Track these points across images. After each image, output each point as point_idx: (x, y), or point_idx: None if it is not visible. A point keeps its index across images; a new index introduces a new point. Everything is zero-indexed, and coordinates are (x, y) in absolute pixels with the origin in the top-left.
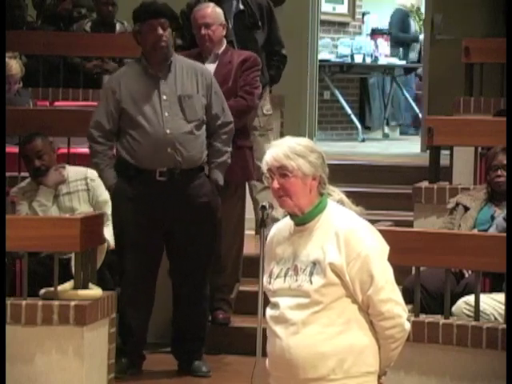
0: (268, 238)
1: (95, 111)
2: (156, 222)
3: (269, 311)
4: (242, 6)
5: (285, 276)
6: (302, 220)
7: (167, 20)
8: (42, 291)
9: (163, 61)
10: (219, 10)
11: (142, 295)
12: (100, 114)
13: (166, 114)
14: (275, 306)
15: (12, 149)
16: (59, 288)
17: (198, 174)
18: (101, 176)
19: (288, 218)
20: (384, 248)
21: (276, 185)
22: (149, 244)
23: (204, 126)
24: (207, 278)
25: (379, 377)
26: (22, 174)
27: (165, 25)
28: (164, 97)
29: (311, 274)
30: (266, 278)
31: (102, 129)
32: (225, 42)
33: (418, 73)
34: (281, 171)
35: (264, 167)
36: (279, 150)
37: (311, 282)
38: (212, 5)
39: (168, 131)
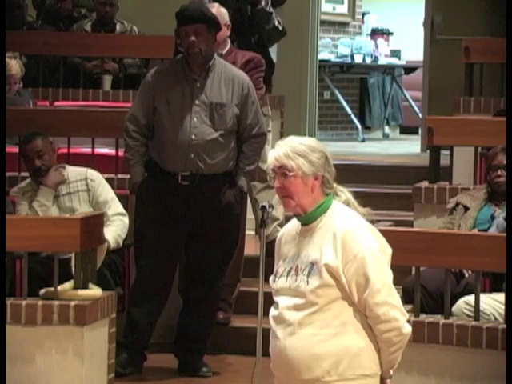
0: (277, 238)
1: (132, 105)
2: (177, 224)
3: (271, 311)
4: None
5: (287, 275)
6: (306, 220)
7: (204, 24)
8: (42, 291)
9: (201, 64)
10: (224, 11)
11: (156, 296)
12: (136, 108)
13: (195, 119)
14: (276, 305)
15: (12, 149)
16: (59, 288)
17: (222, 180)
18: (129, 171)
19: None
20: (385, 250)
21: (277, 184)
22: (168, 243)
23: (233, 135)
24: (221, 281)
25: (383, 379)
26: (22, 174)
27: (199, 30)
28: (196, 101)
29: (309, 274)
30: (272, 277)
31: (137, 123)
32: (229, 42)
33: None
34: (282, 171)
35: (268, 167)
36: (281, 149)
37: (308, 283)
38: (217, 5)
39: (193, 137)
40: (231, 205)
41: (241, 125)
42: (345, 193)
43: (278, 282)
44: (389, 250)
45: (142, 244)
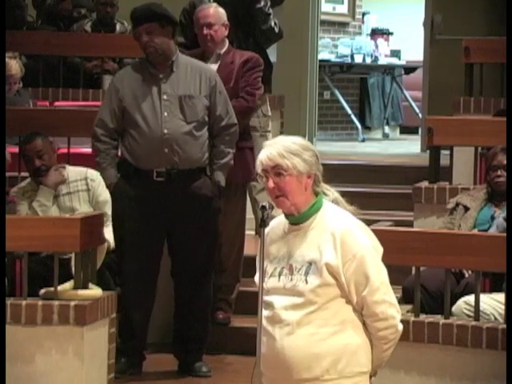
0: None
1: (100, 109)
2: (156, 222)
3: (263, 311)
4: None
5: (279, 275)
6: (298, 219)
7: (155, 23)
8: (42, 291)
9: (162, 62)
10: (222, 10)
11: (143, 295)
12: (104, 113)
13: (166, 113)
14: (269, 305)
15: (12, 149)
16: (59, 288)
17: (198, 175)
18: (102, 175)
19: (282, 216)
20: (378, 249)
21: (271, 184)
22: (149, 244)
23: (205, 128)
24: (209, 278)
25: (370, 377)
26: (22, 174)
27: (150, 29)
28: (165, 96)
29: (307, 273)
30: (257, 276)
31: (105, 127)
32: (227, 42)
33: None
34: (276, 170)
35: (258, 167)
36: (273, 149)
37: (307, 282)
38: (214, 5)
39: (166, 131)
40: (209, 200)
41: (211, 117)
42: (332, 191)
43: (269, 282)
44: (381, 249)
45: (123, 246)
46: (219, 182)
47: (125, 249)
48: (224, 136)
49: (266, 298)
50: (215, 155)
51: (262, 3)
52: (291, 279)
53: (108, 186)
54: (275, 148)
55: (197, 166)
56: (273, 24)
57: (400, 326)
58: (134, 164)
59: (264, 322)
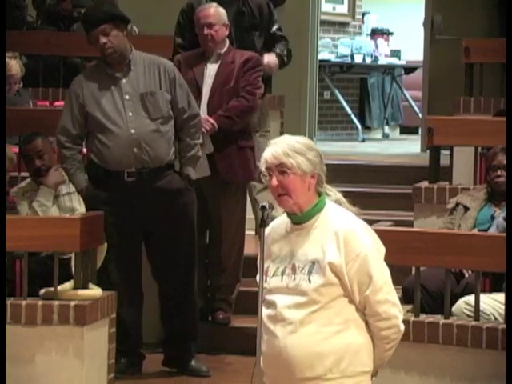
0: (264, 237)
1: (61, 117)
2: (131, 223)
3: (264, 310)
4: (243, 8)
5: (282, 275)
6: (301, 219)
7: (109, 23)
8: (42, 291)
9: (120, 61)
10: (222, 10)
11: (129, 296)
12: (65, 120)
13: (130, 113)
14: (271, 304)
15: (12, 149)
16: (59, 288)
17: (166, 172)
18: (71, 180)
19: (284, 215)
20: (380, 249)
21: (275, 182)
22: (127, 245)
23: (171, 122)
24: (192, 275)
25: (371, 376)
26: (22, 173)
27: (106, 30)
28: (126, 96)
29: (310, 273)
30: (258, 276)
31: (68, 134)
32: (227, 41)
33: None
34: (280, 169)
35: (262, 165)
36: (278, 147)
37: (310, 281)
38: (215, 5)
39: (133, 131)
40: (180, 193)
41: (174, 110)
42: (334, 192)
43: (272, 282)
44: (383, 250)
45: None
46: (189, 176)
47: (107, 252)
48: (189, 128)
49: (269, 297)
50: (182, 149)
51: (275, 28)
52: (294, 278)
53: (79, 192)
54: (280, 146)
55: (166, 163)
56: (285, 51)
57: (402, 326)
58: (104, 166)
59: (266, 320)
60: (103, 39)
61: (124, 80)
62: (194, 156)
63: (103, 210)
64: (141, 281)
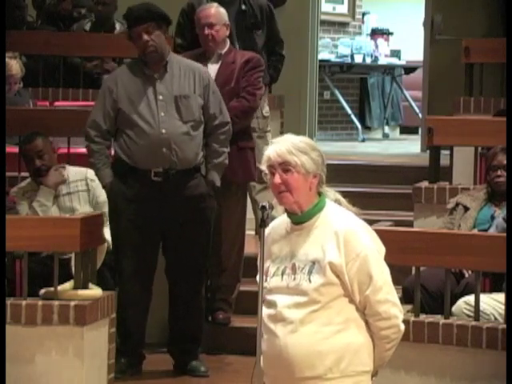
0: (264, 237)
1: (92, 110)
2: (152, 222)
3: (265, 310)
4: (243, 7)
5: (282, 274)
6: (301, 219)
7: (153, 22)
8: (42, 291)
9: (158, 62)
10: (223, 10)
11: (140, 295)
12: (97, 114)
13: (162, 114)
14: (272, 304)
15: (12, 149)
16: (59, 288)
17: (194, 175)
18: (97, 175)
19: (284, 216)
20: (381, 249)
21: (278, 180)
22: (145, 243)
23: (201, 127)
24: (203, 278)
25: (371, 376)
26: (22, 173)
27: (149, 28)
28: (160, 97)
29: (310, 272)
30: (259, 276)
31: (98, 128)
32: (228, 42)
33: None
34: (284, 166)
35: (264, 163)
36: (282, 146)
37: (310, 281)
38: (215, 5)
39: (163, 131)
40: (204, 199)
41: (204, 116)
42: (333, 193)
43: (272, 282)
44: (383, 249)
45: (119, 245)
46: (214, 182)
47: (121, 248)
48: (218, 135)
49: (269, 297)
50: (209, 155)
51: (277, 48)
52: (294, 278)
53: (104, 186)
54: (284, 145)
55: (193, 166)
56: (283, 52)
57: (402, 326)
58: (131, 163)
59: (266, 320)
60: (146, 37)
61: (159, 80)
62: (220, 163)
63: (125, 206)
64: (152, 281)
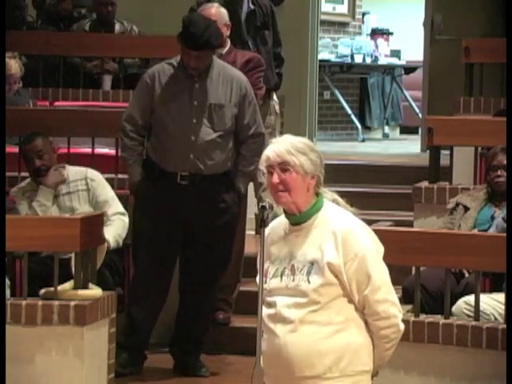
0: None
1: (129, 105)
2: (175, 224)
3: (265, 310)
4: (252, 6)
5: (281, 275)
6: (299, 219)
7: (209, 49)
8: (42, 291)
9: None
10: (223, 10)
11: (154, 294)
12: (133, 109)
13: (194, 120)
14: (272, 305)
15: (12, 149)
16: (59, 288)
17: (221, 180)
18: (127, 171)
19: (283, 216)
20: (379, 249)
21: (276, 179)
22: (167, 244)
23: (232, 136)
24: (217, 284)
25: (371, 377)
26: (22, 173)
27: (202, 55)
28: (195, 103)
29: (309, 273)
30: (259, 277)
31: (134, 123)
32: (229, 42)
33: None
34: (282, 166)
35: (263, 163)
36: (281, 146)
37: (309, 282)
38: (216, 5)
39: (193, 138)
40: (229, 206)
41: (238, 125)
42: (330, 193)
43: (271, 283)
44: (382, 249)
45: (139, 243)
46: (240, 189)
47: (142, 246)
48: (251, 144)
49: (269, 298)
50: (240, 162)
51: (279, 48)
52: (293, 279)
53: (132, 184)
54: (283, 145)
55: (221, 172)
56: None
57: (402, 326)
58: (159, 165)
59: (266, 319)
60: (193, 63)
61: (197, 85)
62: (250, 172)
63: (151, 206)
64: (170, 283)
